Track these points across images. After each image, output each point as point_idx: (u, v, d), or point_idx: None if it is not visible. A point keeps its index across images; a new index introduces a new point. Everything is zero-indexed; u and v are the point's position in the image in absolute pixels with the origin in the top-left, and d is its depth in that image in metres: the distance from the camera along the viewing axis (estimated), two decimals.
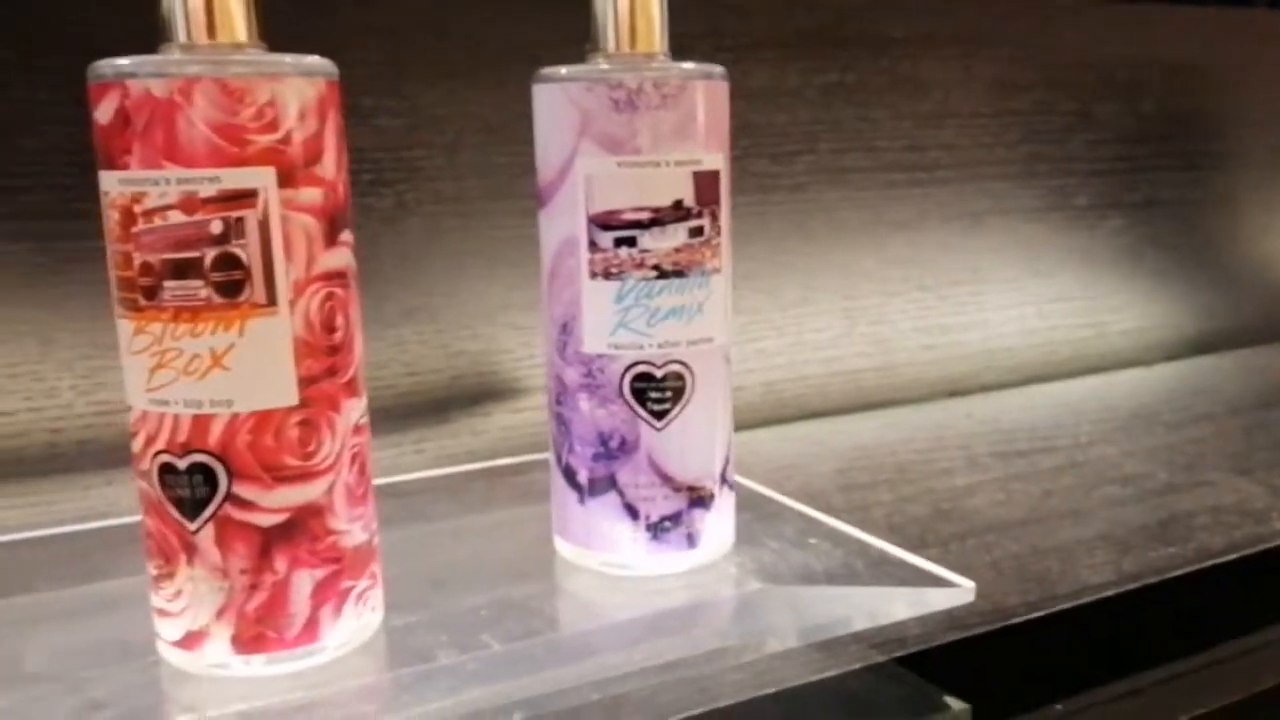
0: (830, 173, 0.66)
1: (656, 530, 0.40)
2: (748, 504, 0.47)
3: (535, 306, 0.60)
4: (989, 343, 0.74)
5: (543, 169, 0.39)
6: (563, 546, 0.42)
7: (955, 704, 0.38)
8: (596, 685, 0.34)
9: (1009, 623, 0.41)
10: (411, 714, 0.32)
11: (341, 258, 0.33)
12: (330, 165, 0.32)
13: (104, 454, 0.51)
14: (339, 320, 0.33)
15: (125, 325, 0.32)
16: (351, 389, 0.34)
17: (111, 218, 0.31)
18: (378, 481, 0.37)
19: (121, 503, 0.51)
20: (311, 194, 0.32)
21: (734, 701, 0.36)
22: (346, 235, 0.33)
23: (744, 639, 0.37)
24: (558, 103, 0.38)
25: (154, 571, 0.34)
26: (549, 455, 0.42)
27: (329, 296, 0.33)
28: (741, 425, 0.67)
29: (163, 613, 0.34)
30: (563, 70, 0.38)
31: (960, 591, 0.39)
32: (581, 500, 0.41)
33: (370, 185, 0.55)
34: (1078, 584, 0.44)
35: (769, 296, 0.66)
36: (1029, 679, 0.42)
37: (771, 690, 0.37)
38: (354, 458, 0.34)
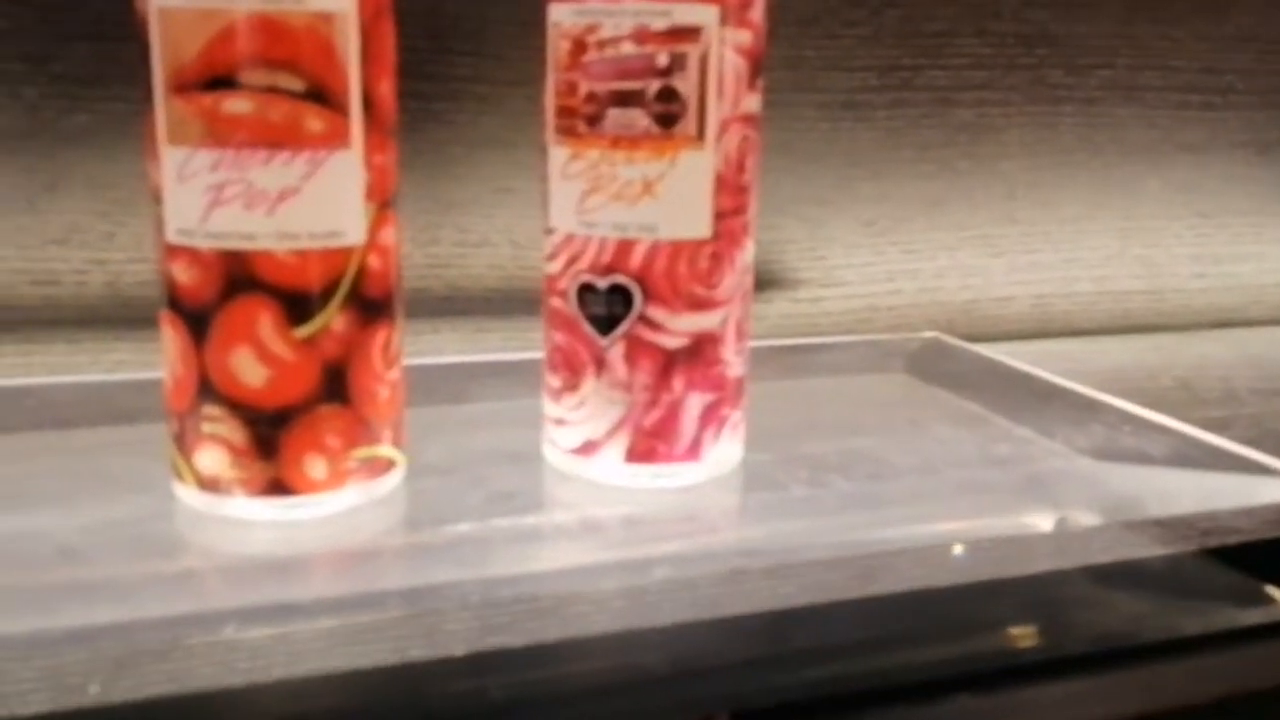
0: (1124, 89, 0.65)
1: None
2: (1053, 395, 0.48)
3: (827, 200, 0.62)
4: (1261, 277, 0.72)
5: None
6: None
7: None
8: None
9: None
10: (768, 530, 0.35)
11: (757, 102, 0.35)
12: (759, 9, 0.34)
13: (433, 304, 0.55)
14: (749, 161, 0.35)
15: (561, 151, 0.35)
16: (748, 230, 0.36)
17: (561, 48, 0.34)
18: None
19: (446, 349, 0.55)
20: (744, 35, 0.34)
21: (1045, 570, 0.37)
22: (760, 82, 0.35)
23: (1068, 511, 0.38)
24: None
25: (557, 384, 0.37)
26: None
27: (745, 138, 0.35)
28: (1007, 337, 0.67)
29: (561, 422, 0.37)
30: None
31: None
32: None
33: None
34: None
35: (1047, 209, 0.66)
36: None
37: (1082, 565, 0.38)
38: (744, 295, 0.36)
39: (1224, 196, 0.70)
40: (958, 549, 0.36)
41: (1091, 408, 0.46)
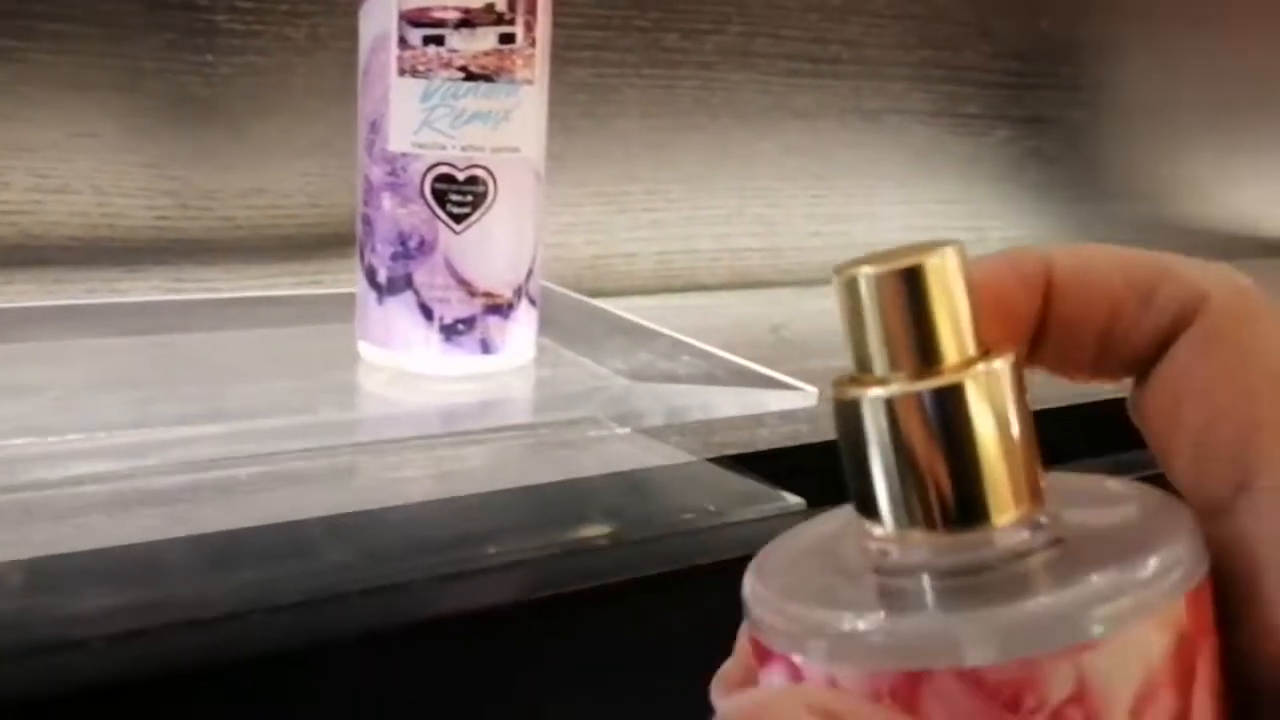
0: (737, 55, 0.70)
1: (450, 333, 0.41)
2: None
3: None
4: (873, 235, 0.78)
5: None
6: (363, 348, 0.43)
7: (791, 498, 0.42)
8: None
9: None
10: None
11: None
12: None
13: (5, 252, 0.52)
14: None
15: None
16: None
17: None
18: None
19: (21, 300, 0.53)
20: None
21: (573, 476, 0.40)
22: None
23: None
24: None
25: None
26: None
27: None
28: (633, 292, 0.70)
29: None
30: None
31: (803, 395, 0.43)
32: (380, 299, 0.42)
33: (286, 15, 0.56)
34: None
35: (669, 169, 0.69)
36: None
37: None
38: None
39: (836, 160, 0.76)
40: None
41: (649, 338, 0.49)
